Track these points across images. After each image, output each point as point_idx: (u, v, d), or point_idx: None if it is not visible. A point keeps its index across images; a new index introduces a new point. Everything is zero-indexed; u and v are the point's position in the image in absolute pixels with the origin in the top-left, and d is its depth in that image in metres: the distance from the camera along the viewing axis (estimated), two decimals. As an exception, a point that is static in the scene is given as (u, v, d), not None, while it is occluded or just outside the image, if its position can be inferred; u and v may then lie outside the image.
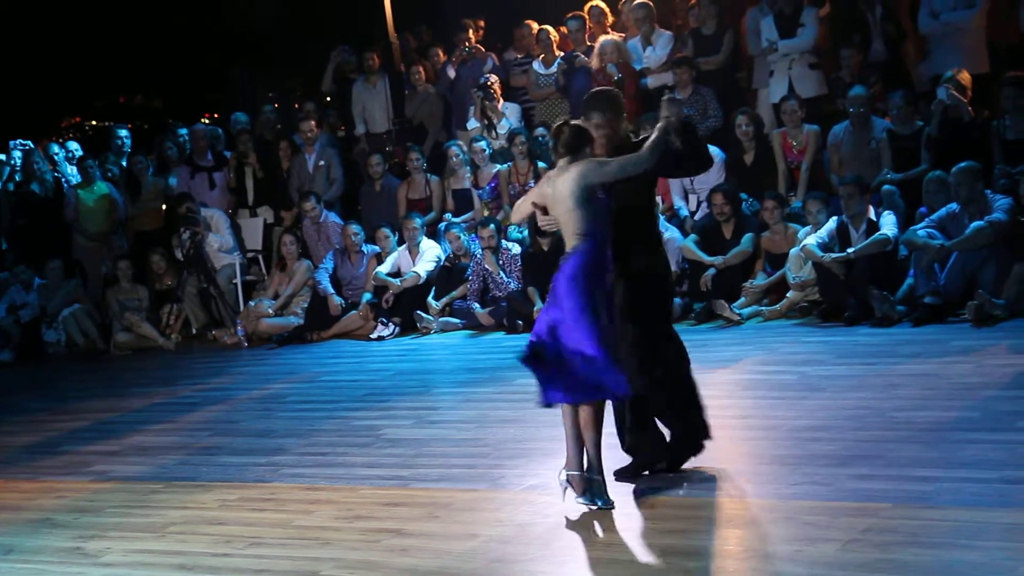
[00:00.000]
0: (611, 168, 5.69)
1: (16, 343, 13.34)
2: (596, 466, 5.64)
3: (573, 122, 5.87)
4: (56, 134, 20.90)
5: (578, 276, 5.57)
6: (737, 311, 10.25)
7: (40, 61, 20.22)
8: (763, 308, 10.37)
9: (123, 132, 15.19)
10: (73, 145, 15.61)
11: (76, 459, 8.22)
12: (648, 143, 5.73)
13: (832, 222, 9.98)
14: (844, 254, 9.71)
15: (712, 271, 10.59)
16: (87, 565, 5.83)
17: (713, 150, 11.39)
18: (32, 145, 14.95)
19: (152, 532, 6.22)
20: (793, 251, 10.31)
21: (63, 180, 14.64)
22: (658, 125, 5.77)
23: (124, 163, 14.55)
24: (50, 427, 9.45)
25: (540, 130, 12.68)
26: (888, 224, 9.77)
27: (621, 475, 6.01)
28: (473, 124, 13.24)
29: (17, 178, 14.49)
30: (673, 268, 10.71)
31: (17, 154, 14.62)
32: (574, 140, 5.76)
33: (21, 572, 5.84)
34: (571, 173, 5.69)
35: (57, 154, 15.15)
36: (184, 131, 14.80)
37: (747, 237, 10.69)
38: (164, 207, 14.15)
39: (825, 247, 9.87)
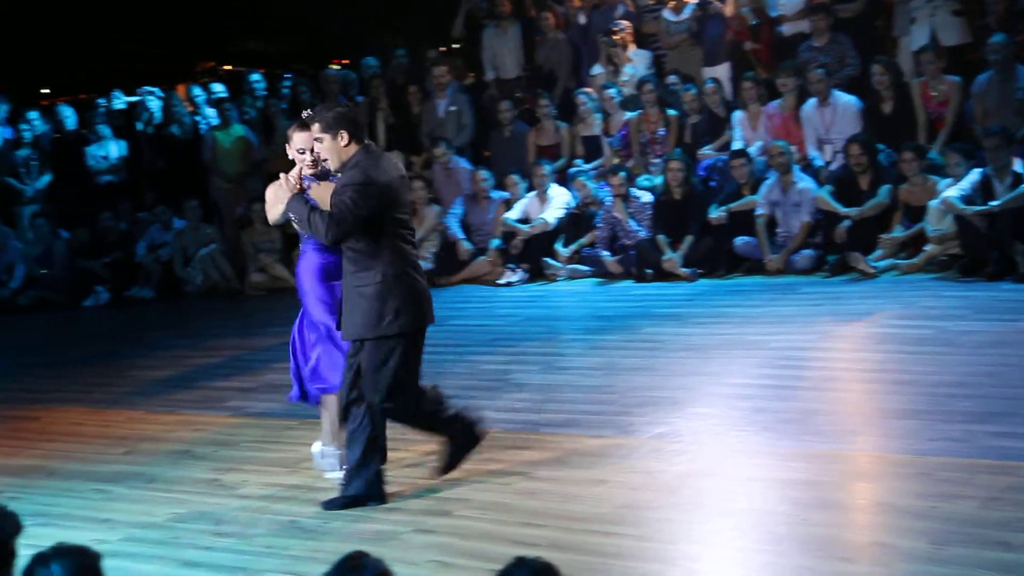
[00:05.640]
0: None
1: (156, 281, 13.76)
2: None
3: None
4: (192, 79, 21.25)
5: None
6: (872, 264, 10.04)
7: (175, 6, 20.58)
8: (899, 261, 10.13)
9: (255, 76, 15.40)
10: (217, 87, 15.79)
11: (213, 394, 8.47)
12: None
13: (975, 174, 9.68)
14: (987, 207, 9.42)
15: (847, 223, 10.37)
16: (225, 496, 6.02)
17: (850, 99, 11.21)
18: (161, 92, 15.24)
19: (286, 468, 6.39)
20: (933, 203, 10.03)
21: (201, 122, 14.93)
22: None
23: (260, 106, 14.78)
24: (188, 363, 9.73)
25: (672, 78, 12.52)
26: (1034, 177, 9.45)
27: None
28: (598, 70, 13.13)
29: (156, 121, 14.83)
30: (807, 219, 10.66)
31: (151, 100, 14.94)
32: None
33: (163, 501, 6.05)
34: None
35: (198, 96, 15.43)
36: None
37: (884, 188, 10.42)
38: (298, 151, 14.30)
39: (967, 199, 9.58)
